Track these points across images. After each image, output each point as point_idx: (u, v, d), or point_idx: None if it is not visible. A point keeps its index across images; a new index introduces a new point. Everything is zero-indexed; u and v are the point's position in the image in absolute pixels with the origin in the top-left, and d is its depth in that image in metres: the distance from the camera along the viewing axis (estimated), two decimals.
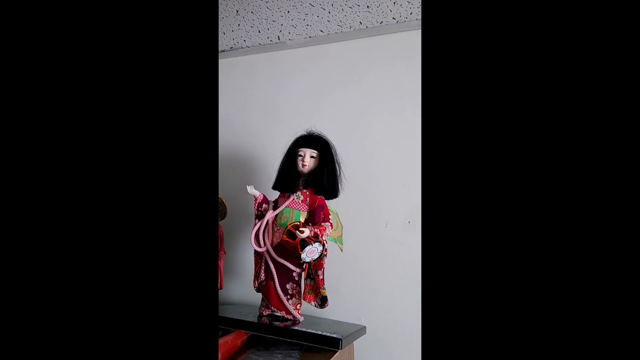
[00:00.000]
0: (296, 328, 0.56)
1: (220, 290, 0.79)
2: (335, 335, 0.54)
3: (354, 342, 0.66)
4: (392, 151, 0.92)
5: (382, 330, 0.80)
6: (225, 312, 0.69)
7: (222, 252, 0.81)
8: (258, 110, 1.09)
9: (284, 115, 1.06)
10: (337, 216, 0.74)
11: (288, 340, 0.55)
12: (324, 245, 0.64)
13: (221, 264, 0.78)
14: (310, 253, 0.63)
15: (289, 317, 0.66)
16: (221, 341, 0.50)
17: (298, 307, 0.67)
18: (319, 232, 0.64)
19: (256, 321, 0.60)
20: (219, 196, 0.84)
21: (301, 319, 0.65)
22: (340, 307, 0.84)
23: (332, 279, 0.85)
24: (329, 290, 0.85)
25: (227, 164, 1.04)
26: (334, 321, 0.73)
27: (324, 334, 0.54)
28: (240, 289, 0.92)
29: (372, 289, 0.84)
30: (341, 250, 0.73)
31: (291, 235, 0.65)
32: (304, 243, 0.62)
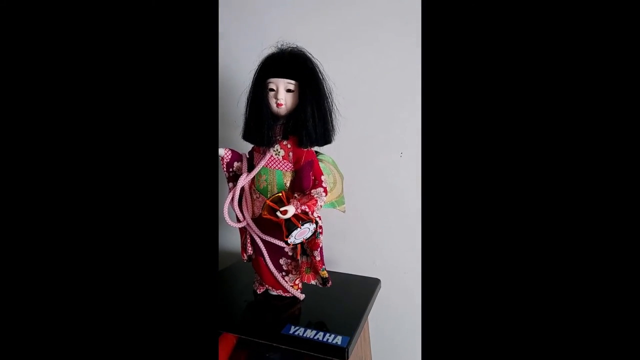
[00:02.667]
0: (290, 333, 0.45)
1: None
2: (338, 344, 0.44)
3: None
4: (399, 70, 0.66)
5: (400, 274, 0.71)
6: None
7: None
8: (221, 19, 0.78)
9: (254, 26, 0.75)
10: (335, 166, 0.56)
11: (282, 347, 0.46)
12: (316, 222, 0.48)
13: None
14: (299, 235, 0.48)
15: (287, 295, 0.56)
16: None
17: (297, 282, 0.56)
18: (307, 209, 0.47)
19: (252, 299, 0.51)
20: None
21: (302, 297, 0.55)
22: (350, 255, 0.74)
23: (338, 227, 0.72)
24: (336, 238, 0.74)
25: None
26: (343, 278, 0.64)
27: (324, 341, 0.44)
28: (236, 239, 0.82)
29: (386, 230, 0.72)
30: (343, 211, 0.57)
31: (274, 211, 0.49)
32: (290, 225, 0.46)
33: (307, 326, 0.47)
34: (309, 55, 0.51)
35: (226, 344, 0.47)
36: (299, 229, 0.46)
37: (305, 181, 0.50)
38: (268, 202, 0.48)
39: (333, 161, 0.56)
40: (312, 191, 0.50)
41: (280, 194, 0.49)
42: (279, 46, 0.51)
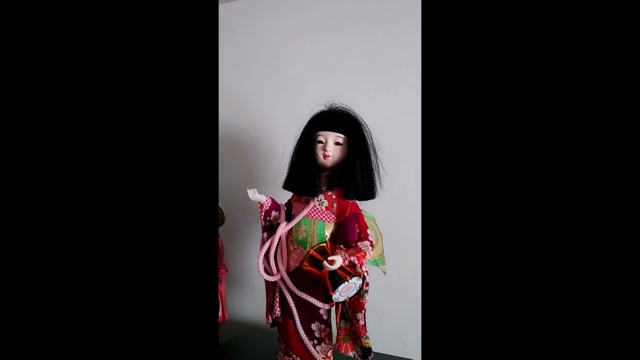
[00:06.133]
0: None
1: (222, 322, 0.61)
2: None
3: None
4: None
5: None
6: None
7: (223, 269, 0.62)
8: (260, 76, 0.85)
9: (296, 85, 0.82)
10: (375, 223, 0.54)
11: None
12: (364, 278, 0.44)
13: (222, 287, 0.60)
14: (345, 291, 0.43)
15: None
16: None
17: (329, 354, 0.49)
18: (356, 261, 0.44)
19: None
20: None
21: None
22: (380, 332, 0.67)
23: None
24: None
25: (220, 153, 0.82)
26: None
27: None
28: (250, 303, 0.75)
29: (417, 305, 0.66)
30: (384, 272, 0.53)
31: (315, 262, 0.45)
32: (336, 279, 0.42)
33: None
34: (357, 115, 0.53)
35: None
36: (346, 282, 0.42)
37: (350, 233, 0.48)
38: (312, 251, 0.45)
39: (373, 218, 0.54)
40: (359, 244, 0.47)
41: (324, 244, 0.46)
42: (331, 105, 0.54)
